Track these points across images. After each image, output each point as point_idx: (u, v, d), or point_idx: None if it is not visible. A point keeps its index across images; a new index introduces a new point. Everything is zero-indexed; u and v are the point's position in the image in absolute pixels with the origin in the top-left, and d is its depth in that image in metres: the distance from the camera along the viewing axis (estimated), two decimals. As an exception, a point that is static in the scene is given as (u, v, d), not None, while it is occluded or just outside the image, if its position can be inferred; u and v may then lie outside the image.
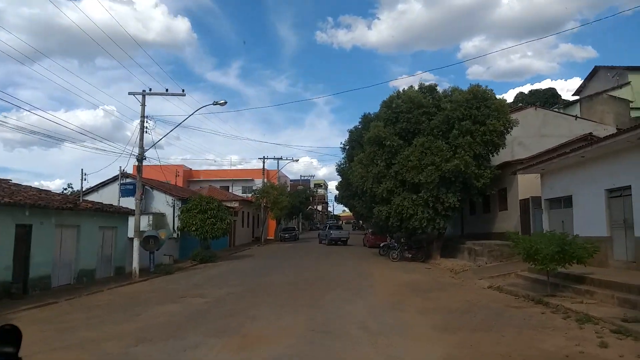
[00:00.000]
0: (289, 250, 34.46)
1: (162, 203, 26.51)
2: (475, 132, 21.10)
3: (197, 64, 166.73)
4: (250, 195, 44.43)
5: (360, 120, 32.63)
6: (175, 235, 26.13)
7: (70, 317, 10.97)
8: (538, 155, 20.00)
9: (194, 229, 24.88)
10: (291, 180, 79.51)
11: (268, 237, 53.97)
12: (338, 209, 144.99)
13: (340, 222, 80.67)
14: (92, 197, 26.02)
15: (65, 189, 32.75)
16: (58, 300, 13.47)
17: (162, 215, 26.50)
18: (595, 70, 40.51)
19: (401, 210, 21.96)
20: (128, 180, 26.64)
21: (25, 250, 14.29)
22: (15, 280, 13.66)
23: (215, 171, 59.62)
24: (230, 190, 53.96)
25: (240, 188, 56.79)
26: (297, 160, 58.23)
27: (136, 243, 19.18)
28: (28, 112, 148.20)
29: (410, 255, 24.07)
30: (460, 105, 21.54)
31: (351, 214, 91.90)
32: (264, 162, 45.25)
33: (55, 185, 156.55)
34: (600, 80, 39.25)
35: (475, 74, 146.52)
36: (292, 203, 47.18)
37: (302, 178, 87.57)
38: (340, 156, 37.07)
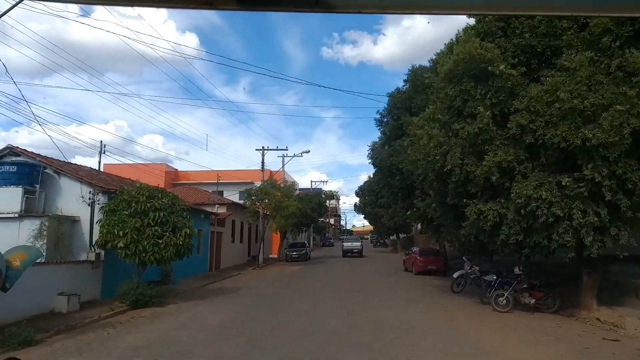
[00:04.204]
0: (296, 278, 22.73)
1: (75, 199, 15.15)
2: None
3: (206, 80, 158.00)
4: (245, 201, 32.56)
5: (406, 76, 21.25)
6: (91, 255, 14.62)
7: None
8: None
9: (121, 244, 13.40)
10: (300, 189, 68.01)
11: (271, 255, 42.33)
12: (350, 224, 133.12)
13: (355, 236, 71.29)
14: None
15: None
16: None
17: (72, 220, 15.05)
18: None
19: (534, 209, 10.32)
20: (19, 159, 15.30)
21: None
22: None
23: (207, 172, 48.34)
24: (224, 196, 42.56)
25: (237, 193, 45.35)
26: (308, 152, 45.86)
27: None
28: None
29: (533, 301, 12.35)
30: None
31: (371, 227, 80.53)
32: (263, 154, 33.72)
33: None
34: None
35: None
36: (302, 210, 35.51)
37: (313, 186, 75.72)
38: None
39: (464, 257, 16.95)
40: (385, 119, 22.43)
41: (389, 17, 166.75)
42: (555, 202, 10.12)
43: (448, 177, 12.05)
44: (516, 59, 11.54)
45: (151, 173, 37.27)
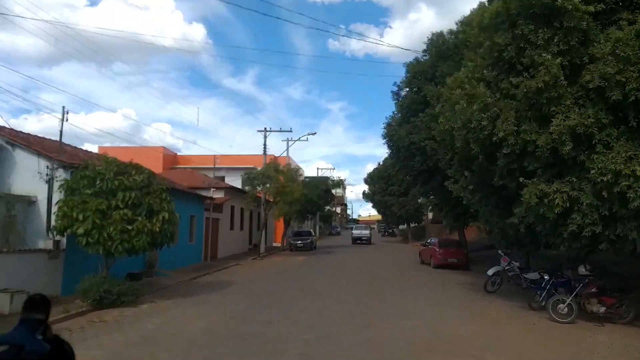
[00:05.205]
0: (300, 271, 20.12)
1: (32, 176, 12.57)
2: None
3: (213, 70, 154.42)
4: (246, 185, 29.88)
5: (426, 45, 18.35)
6: (49, 243, 12.01)
7: None
8: None
9: (81, 230, 10.82)
10: (305, 178, 65.09)
11: (275, 244, 39.79)
12: (356, 213, 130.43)
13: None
14: None
15: None
16: None
17: (28, 201, 12.46)
18: None
19: (625, 190, 7.55)
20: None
21: None
22: None
23: (209, 157, 45.62)
24: (226, 182, 39.91)
25: (239, 179, 42.72)
26: (314, 134, 42.36)
27: None
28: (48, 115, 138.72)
29: (603, 310, 9.63)
30: None
31: (378, 216, 77.65)
32: (265, 136, 31.01)
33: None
34: None
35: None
36: (308, 196, 32.85)
37: (320, 174, 72.70)
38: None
39: (500, 251, 14.24)
40: (403, 93, 19.57)
41: (396, 10, 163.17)
42: (655, 181, 7.35)
43: (497, 150, 9.25)
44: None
45: (148, 156, 34.67)
